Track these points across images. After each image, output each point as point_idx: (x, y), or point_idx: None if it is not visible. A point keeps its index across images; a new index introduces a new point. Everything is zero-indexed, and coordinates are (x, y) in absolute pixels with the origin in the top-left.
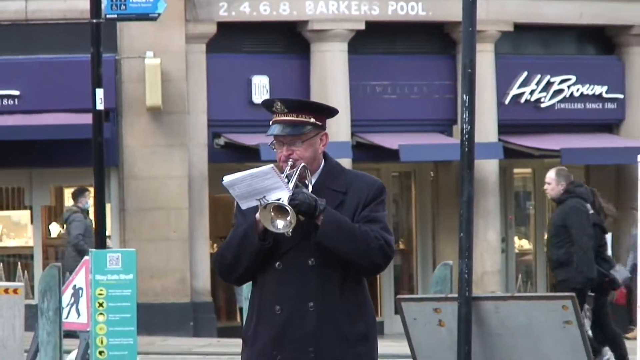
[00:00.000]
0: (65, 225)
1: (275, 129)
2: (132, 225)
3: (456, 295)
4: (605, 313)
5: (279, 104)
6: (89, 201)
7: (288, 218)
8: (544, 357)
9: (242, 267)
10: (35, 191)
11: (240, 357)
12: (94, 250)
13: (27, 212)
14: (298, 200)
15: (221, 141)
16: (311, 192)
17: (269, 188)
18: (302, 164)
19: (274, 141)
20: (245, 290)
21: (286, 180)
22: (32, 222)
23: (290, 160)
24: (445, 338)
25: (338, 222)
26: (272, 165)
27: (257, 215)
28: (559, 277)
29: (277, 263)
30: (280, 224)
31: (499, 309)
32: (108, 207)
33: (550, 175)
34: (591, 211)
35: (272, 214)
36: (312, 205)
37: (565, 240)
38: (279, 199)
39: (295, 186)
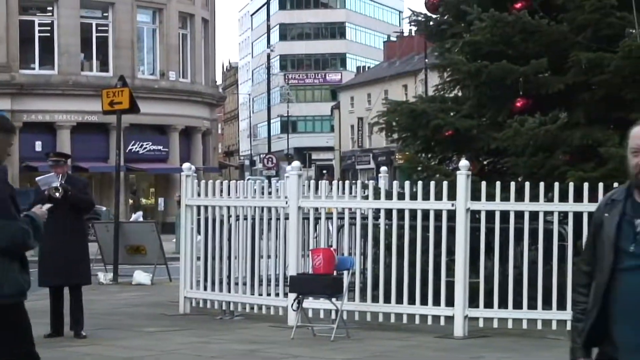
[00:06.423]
0: None
1: (51, 162)
2: None
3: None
4: None
5: (51, 153)
6: None
7: (60, 191)
8: None
9: None
10: None
11: None
12: None
13: None
14: (63, 185)
15: (23, 165)
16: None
17: (52, 181)
18: (61, 174)
19: (50, 166)
20: None
21: (58, 179)
22: None
23: (58, 172)
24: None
25: (76, 195)
26: (53, 173)
27: (46, 191)
28: None
29: (54, 209)
30: (57, 194)
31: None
32: None
33: None
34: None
35: (54, 189)
36: (67, 188)
37: None
38: (57, 185)
39: (60, 181)
